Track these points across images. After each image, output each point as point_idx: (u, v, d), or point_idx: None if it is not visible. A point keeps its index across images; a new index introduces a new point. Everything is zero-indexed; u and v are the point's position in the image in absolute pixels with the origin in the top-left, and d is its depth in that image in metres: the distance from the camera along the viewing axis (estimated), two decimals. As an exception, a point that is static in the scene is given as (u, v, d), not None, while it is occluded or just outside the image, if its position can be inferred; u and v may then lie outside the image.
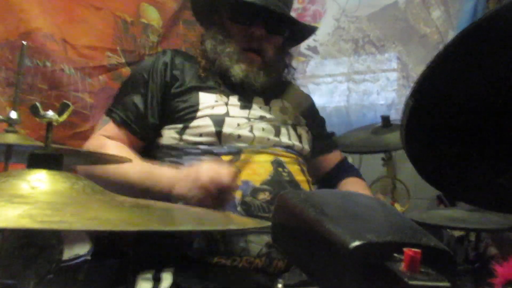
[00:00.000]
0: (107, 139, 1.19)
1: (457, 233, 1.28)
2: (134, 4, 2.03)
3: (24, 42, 0.96)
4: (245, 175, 1.06)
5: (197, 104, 1.17)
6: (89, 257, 1.21)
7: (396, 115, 1.89)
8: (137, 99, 1.21)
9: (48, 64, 1.65)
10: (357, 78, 2.46)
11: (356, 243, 0.42)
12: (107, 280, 1.51)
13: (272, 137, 1.19)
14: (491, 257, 1.12)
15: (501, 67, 0.51)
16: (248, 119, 1.18)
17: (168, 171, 1.05)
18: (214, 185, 0.91)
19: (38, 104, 0.54)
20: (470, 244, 1.21)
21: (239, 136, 1.14)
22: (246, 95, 1.24)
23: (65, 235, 1.18)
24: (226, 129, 1.13)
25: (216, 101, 1.18)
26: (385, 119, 1.81)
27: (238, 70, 1.22)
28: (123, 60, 1.93)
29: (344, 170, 1.43)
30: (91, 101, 1.77)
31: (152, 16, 2.10)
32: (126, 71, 1.95)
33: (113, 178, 1.05)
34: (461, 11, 2.24)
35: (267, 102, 1.27)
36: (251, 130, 1.16)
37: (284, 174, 1.14)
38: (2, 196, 0.45)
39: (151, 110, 1.19)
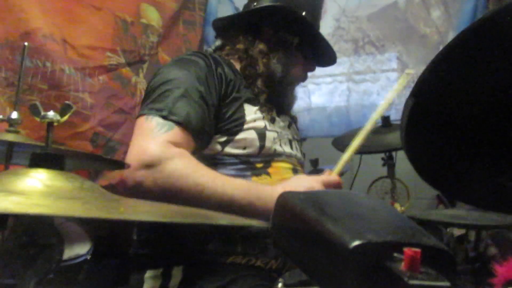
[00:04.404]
0: (198, 162, 1.03)
1: (457, 233, 1.28)
2: (134, 4, 2.03)
3: (26, 43, 0.96)
4: (276, 182, 1.12)
5: (244, 116, 1.15)
6: (89, 257, 1.21)
7: (396, 115, 1.89)
8: (199, 108, 1.07)
9: (48, 64, 1.65)
10: (357, 78, 2.46)
11: (356, 243, 0.42)
12: (107, 280, 1.51)
13: (289, 149, 1.24)
14: (491, 257, 1.12)
15: (501, 67, 0.51)
16: (277, 133, 1.21)
17: (269, 188, 1.05)
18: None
19: (38, 104, 0.54)
20: (470, 244, 1.21)
21: (275, 150, 1.17)
22: (270, 109, 1.25)
23: (65, 235, 1.18)
24: (267, 143, 1.15)
25: (256, 113, 1.18)
26: (385, 119, 1.81)
27: (291, 98, 1.33)
28: (123, 60, 1.93)
29: None
30: (91, 101, 1.77)
31: (152, 16, 2.11)
32: (126, 71, 1.95)
33: (217, 189, 0.98)
34: (461, 11, 2.24)
35: (278, 116, 1.29)
36: (280, 144, 1.20)
37: None
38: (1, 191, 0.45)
39: (209, 119, 1.09)
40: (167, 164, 0.97)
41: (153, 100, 1.06)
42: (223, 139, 1.12)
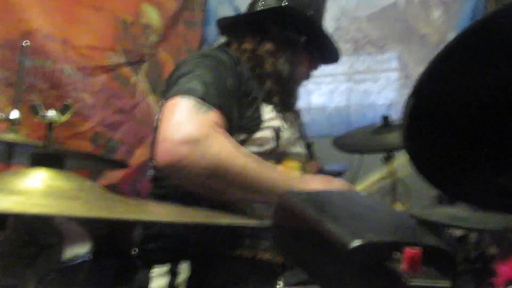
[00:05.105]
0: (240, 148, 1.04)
1: (457, 233, 1.28)
2: (134, 4, 2.03)
3: (25, 43, 0.96)
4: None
5: (261, 115, 1.16)
6: (89, 257, 1.21)
7: (396, 115, 1.89)
8: (228, 97, 1.07)
9: (48, 64, 1.65)
10: (357, 78, 2.46)
11: (356, 243, 0.42)
12: (107, 280, 1.51)
13: (297, 148, 1.26)
14: (492, 256, 1.12)
15: (501, 67, 0.51)
16: (290, 133, 1.22)
17: (305, 178, 1.10)
18: None
19: (38, 104, 0.54)
20: (471, 244, 1.21)
21: (286, 150, 1.19)
22: (282, 108, 1.26)
23: (65, 235, 1.18)
24: (281, 143, 1.17)
25: (271, 113, 1.19)
26: (385, 119, 1.81)
27: (297, 97, 1.34)
28: (123, 60, 1.93)
29: None
30: (91, 101, 1.77)
31: (152, 16, 2.11)
32: (126, 71, 1.95)
33: (261, 173, 1.00)
34: (461, 11, 2.24)
35: (285, 114, 1.30)
36: (292, 144, 1.22)
37: None
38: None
39: (235, 111, 1.10)
40: (215, 141, 0.95)
41: (184, 83, 1.04)
42: (242, 137, 1.12)
